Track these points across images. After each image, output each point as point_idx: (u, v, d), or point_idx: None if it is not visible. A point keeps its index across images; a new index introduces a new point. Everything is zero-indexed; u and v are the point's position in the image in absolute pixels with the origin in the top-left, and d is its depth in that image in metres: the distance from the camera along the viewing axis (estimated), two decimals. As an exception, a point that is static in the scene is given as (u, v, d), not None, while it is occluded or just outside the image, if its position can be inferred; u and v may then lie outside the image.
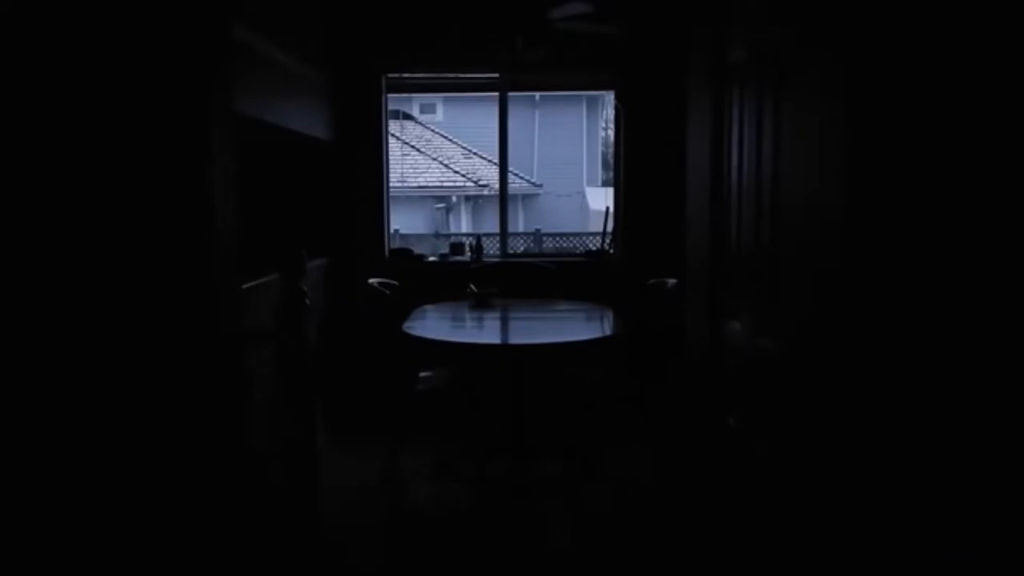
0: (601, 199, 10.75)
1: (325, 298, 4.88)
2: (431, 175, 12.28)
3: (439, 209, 11.98)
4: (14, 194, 2.03)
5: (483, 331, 4.13)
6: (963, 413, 1.83)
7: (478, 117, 11.13)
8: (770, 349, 2.64)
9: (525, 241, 9.63)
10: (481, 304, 4.30)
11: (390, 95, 5.42)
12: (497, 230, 5.83)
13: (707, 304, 3.43)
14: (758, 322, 2.81)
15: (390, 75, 5.34)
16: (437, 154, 12.51)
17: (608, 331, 3.92)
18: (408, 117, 12.42)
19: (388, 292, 4.06)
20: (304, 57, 4.47)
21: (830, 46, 2.12)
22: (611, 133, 9.61)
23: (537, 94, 11.78)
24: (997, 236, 1.79)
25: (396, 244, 5.78)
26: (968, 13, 1.82)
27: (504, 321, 4.18)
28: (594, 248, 6.12)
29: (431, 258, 5.56)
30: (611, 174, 6.88)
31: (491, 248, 6.27)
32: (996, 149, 1.80)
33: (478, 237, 5.93)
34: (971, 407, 1.83)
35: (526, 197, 12.58)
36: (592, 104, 12.88)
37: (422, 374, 4.16)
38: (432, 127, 12.83)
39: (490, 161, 11.54)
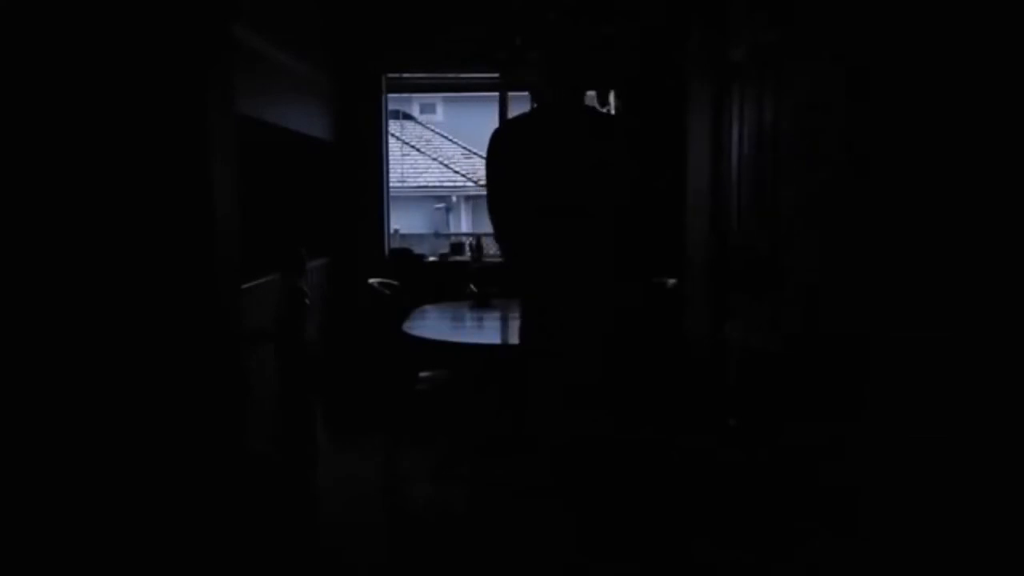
0: (601, 199, 10.69)
1: (325, 298, 4.88)
2: (431, 175, 12.26)
3: (439, 209, 11.96)
4: (15, 198, 2.03)
5: (483, 331, 4.13)
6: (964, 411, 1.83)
7: (478, 117, 11.10)
8: (770, 349, 2.64)
9: (525, 241, 9.58)
10: (481, 304, 4.30)
11: (390, 95, 5.42)
12: (497, 230, 5.82)
13: (707, 304, 3.43)
14: (758, 322, 2.81)
15: (390, 75, 5.34)
16: (437, 154, 12.49)
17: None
18: (408, 117, 12.40)
19: (388, 292, 4.06)
20: (304, 57, 4.47)
21: (828, 47, 2.12)
22: (611, 133, 9.56)
23: (537, 94, 11.76)
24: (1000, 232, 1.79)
25: (396, 244, 5.77)
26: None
27: (504, 321, 4.18)
28: (594, 248, 6.09)
29: (431, 258, 5.56)
30: (611, 174, 6.86)
31: (491, 248, 6.26)
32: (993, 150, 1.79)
33: (478, 237, 5.93)
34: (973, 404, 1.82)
35: (526, 197, 12.53)
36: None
37: (422, 374, 4.16)
38: (432, 127, 12.81)
39: (490, 161, 11.50)
